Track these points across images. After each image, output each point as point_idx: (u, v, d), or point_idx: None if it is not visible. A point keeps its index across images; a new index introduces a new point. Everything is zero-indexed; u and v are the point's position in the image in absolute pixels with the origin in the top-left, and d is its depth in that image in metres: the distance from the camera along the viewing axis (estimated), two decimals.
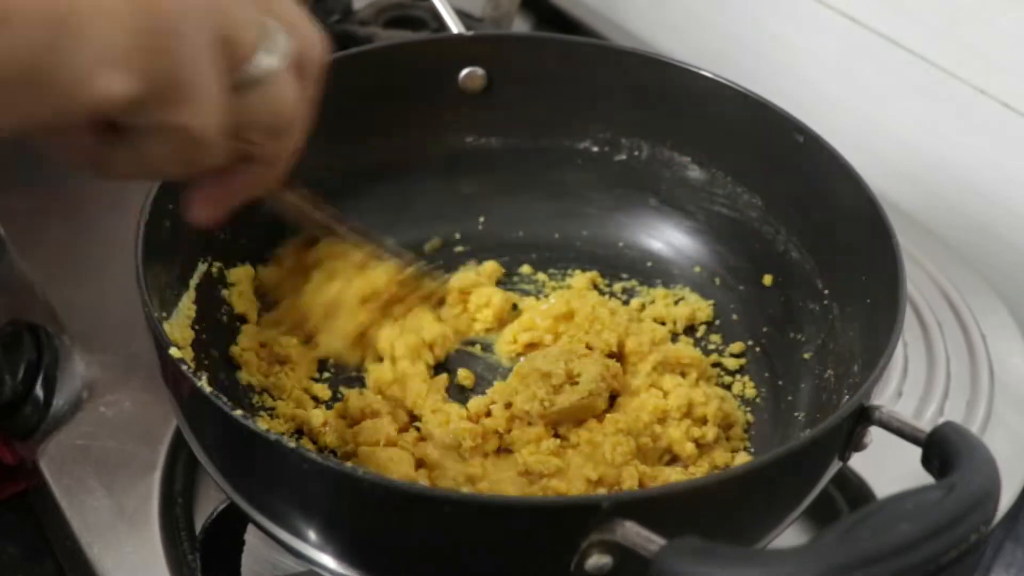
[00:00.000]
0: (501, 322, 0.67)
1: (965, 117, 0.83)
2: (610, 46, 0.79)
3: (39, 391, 0.63)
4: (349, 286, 0.60)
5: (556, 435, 0.60)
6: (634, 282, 0.71)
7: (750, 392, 0.64)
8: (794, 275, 0.66)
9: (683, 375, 0.63)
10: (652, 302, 0.70)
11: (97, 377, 0.64)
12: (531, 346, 0.66)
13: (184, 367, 0.47)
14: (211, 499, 0.59)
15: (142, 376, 0.63)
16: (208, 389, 0.46)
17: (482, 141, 0.72)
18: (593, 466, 0.57)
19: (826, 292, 0.63)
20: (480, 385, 0.64)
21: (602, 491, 0.56)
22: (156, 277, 0.54)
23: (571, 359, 0.60)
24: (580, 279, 0.70)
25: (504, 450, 0.60)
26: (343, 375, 0.63)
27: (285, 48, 0.42)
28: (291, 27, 0.43)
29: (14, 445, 0.63)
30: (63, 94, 0.36)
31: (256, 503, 0.50)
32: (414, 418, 0.61)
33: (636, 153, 0.71)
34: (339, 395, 0.62)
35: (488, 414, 0.61)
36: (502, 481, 0.57)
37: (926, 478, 0.46)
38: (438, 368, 0.64)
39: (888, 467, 0.59)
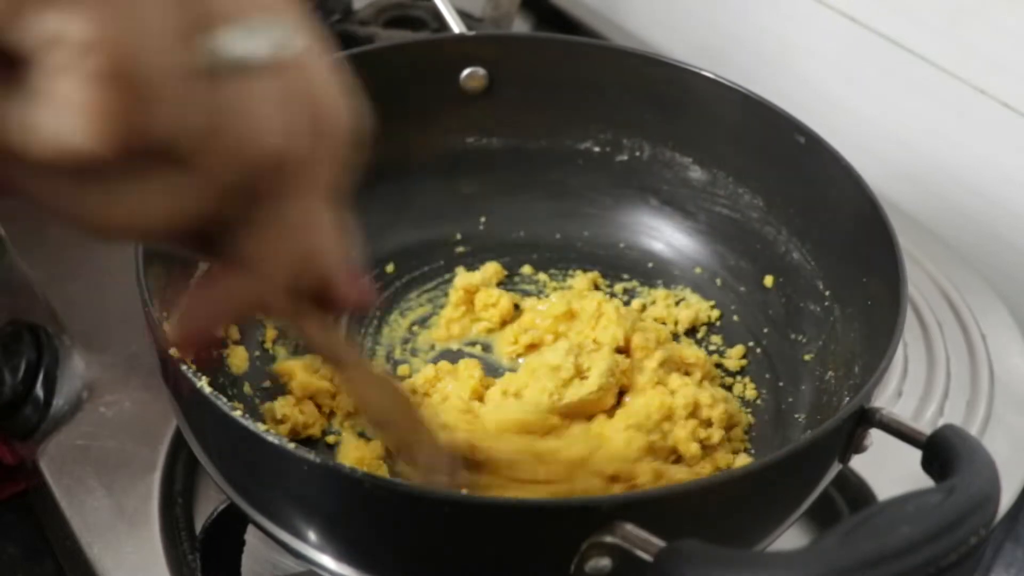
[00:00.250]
0: (502, 323, 0.67)
1: (965, 117, 0.83)
2: (611, 46, 0.79)
3: (39, 391, 0.63)
4: None
5: None
6: (635, 283, 0.71)
7: (751, 393, 0.64)
8: (795, 276, 0.66)
9: (687, 374, 0.63)
10: (653, 303, 0.70)
11: (97, 377, 0.64)
12: (532, 347, 0.66)
13: (184, 367, 0.47)
14: (211, 499, 0.59)
15: (142, 376, 0.63)
16: (208, 389, 0.46)
17: (483, 141, 0.72)
18: (608, 460, 0.57)
19: (827, 293, 0.63)
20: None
21: (617, 487, 0.56)
22: (156, 277, 0.53)
23: (580, 353, 0.61)
24: (581, 280, 0.70)
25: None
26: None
27: (281, 39, 0.30)
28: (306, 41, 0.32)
29: (14, 445, 0.63)
30: None
31: (256, 503, 0.50)
32: None
33: (637, 153, 0.71)
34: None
35: None
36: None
37: (926, 479, 0.46)
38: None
39: (888, 468, 0.59)
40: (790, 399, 0.63)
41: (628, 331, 0.64)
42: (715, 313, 0.69)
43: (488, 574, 0.47)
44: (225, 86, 0.30)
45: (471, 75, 0.70)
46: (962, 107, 0.83)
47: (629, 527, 0.41)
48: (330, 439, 0.60)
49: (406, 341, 0.67)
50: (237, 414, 0.45)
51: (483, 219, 0.73)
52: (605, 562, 0.42)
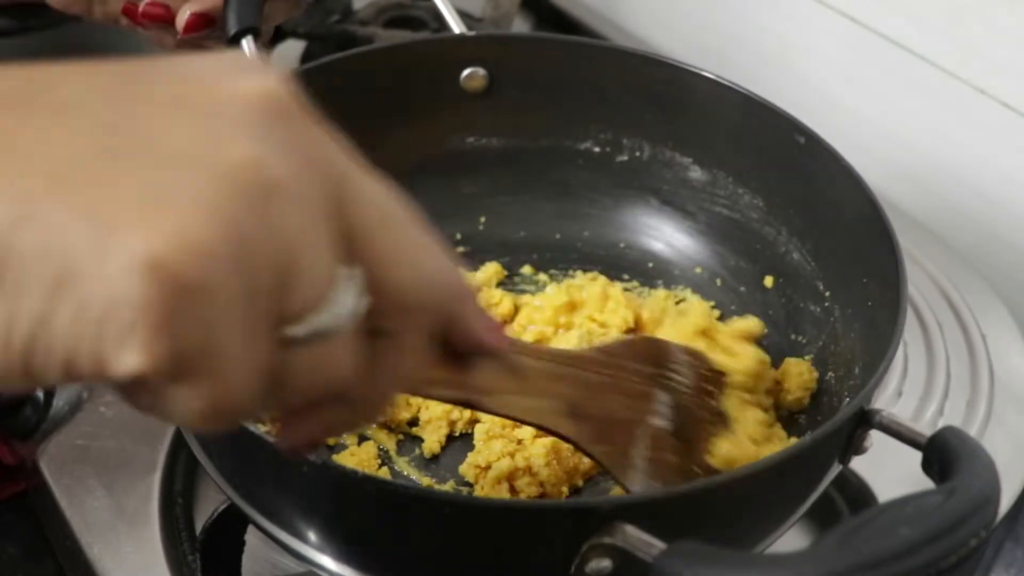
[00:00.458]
0: (503, 323, 0.67)
1: (965, 117, 0.83)
2: (612, 46, 0.78)
3: (39, 391, 0.63)
4: None
5: None
6: (635, 283, 0.71)
7: None
8: (795, 276, 0.66)
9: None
10: None
11: None
12: (537, 343, 0.66)
13: None
14: (211, 499, 0.59)
15: None
16: None
17: (483, 141, 0.72)
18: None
19: (827, 294, 0.63)
20: None
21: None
22: None
23: (593, 339, 0.61)
24: (581, 280, 0.70)
25: None
26: None
27: (352, 308, 0.32)
28: (379, 276, 0.33)
29: (14, 445, 0.63)
30: (48, 369, 0.29)
31: (256, 504, 0.50)
32: None
33: (637, 154, 0.71)
34: None
35: None
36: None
37: (927, 480, 0.46)
38: None
39: (888, 469, 0.59)
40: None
41: (636, 308, 0.64)
42: (715, 313, 0.69)
43: (488, 575, 0.47)
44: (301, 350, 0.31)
45: (471, 75, 0.70)
46: (962, 107, 0.83)
47: (629, 528, 0.41)
48: (330, 440, 0.60)
49: None
50: None
51: (483, 219, 0.73)
52: (605, 563, 0.42)
